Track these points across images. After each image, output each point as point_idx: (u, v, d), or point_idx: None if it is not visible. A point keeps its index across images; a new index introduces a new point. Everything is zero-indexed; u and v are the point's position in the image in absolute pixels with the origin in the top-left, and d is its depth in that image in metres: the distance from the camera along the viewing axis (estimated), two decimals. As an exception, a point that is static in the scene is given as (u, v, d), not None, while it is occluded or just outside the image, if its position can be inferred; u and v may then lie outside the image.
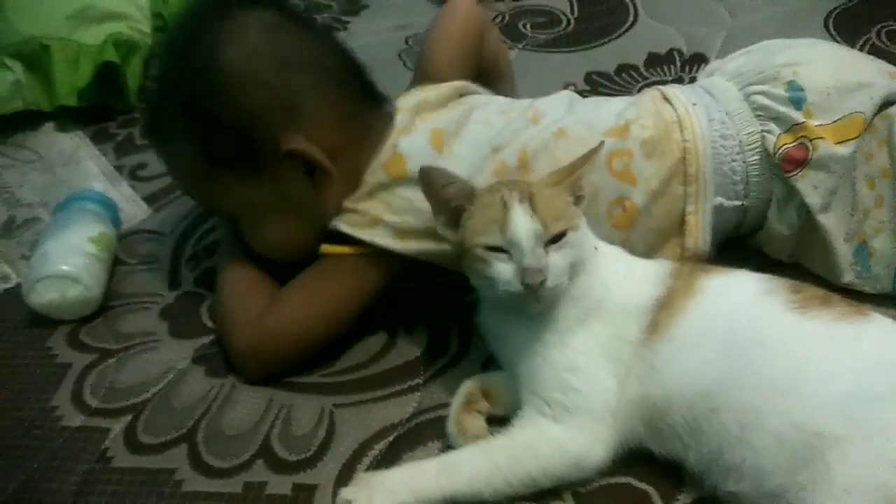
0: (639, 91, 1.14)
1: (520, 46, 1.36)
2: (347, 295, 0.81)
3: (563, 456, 0.66)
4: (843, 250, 0.80)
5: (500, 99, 0.90)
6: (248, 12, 0.79)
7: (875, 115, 0.80)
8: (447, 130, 0.82)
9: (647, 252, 0.80)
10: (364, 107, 0.84)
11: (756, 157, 0.81)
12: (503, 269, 0.66)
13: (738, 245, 0.86)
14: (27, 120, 1.25)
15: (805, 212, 0.79)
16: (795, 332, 0.64)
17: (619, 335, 0.68)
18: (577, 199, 0.71)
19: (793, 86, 0.80)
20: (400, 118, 0.84)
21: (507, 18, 1.45)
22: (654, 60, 1.27)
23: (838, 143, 0.78)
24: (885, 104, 0.81)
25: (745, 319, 0.65)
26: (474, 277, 0.69)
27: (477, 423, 0.71)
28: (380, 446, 0.73)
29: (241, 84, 0.76)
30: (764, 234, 0.84)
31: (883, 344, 0.63)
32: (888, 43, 1.23)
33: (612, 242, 0.76)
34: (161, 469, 0.73)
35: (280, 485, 0.71)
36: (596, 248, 0.71)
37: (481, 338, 0.78)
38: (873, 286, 0.82)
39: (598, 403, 0.67)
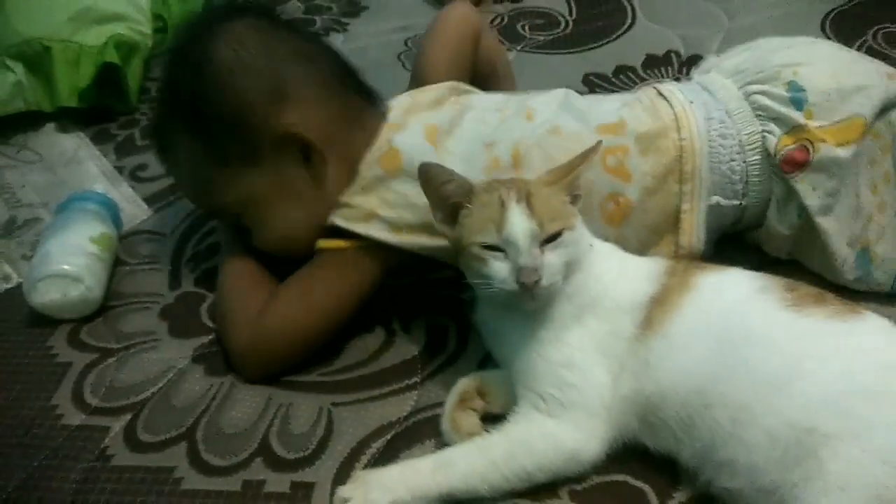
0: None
1: (518, 48, 1.37)
2: (345, 288, 0.82)
3: (558, 450, 0.66)
4: (844, 253, 0.80)
5: (496, 97, 0.91)
6: (240, 20, 0.83)
7: (876, 117, 0.80)
8: (441, 127, 0.83)
9: (641, 249, 0.80)
10: (356, 101, 0.86)
11: (756, 157, 0.81)
12: (499, 268, 0.66)
13: (735, 241, 0.87)
14: (28, 121, 1.25)
15: (805, 212, 0.80)
16: (789, 329, 0.64)
17: (614, 331, 0.69)
18: (574, 198, 0.71)
19: (793, 86, 0.80)
20: (393, 115, 0.86)
21: (505, 20, 1.46)
22: (651, 62, 1.28)
23: (839, 145, 0.78)
24: (885, 107, 0.81)
25: (739, 317, 0.66)
26: (470, 275, 0.70)
27: (471, 420, 0.72)
28: (377, 444, 0.74)
29: (230, 76, 0.79)
30: (763, 232, 0.84)
31: (876, 342, 0.63)
32: (885, 45, 1.24)
33: (604, 238, 0.77)
34: (160, 467, 0.74)
35: (278, 483, 0.71)
36: (591, 246, 0.72)
37: (479, 336, 0.79)
38: (871, 286, 0.82)
39: (592, 399, 0.67)
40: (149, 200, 1.09)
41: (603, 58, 1.31)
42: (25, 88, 1.23)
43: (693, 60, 1.27)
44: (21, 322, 0.91)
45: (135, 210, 1.08)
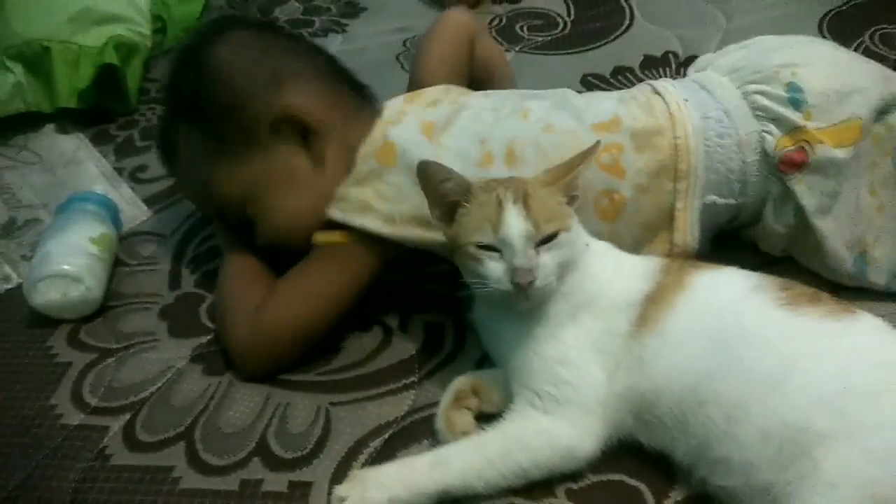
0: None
1: (517, 49, 1.37)
2: (343, 280, 0.82)
3: (553, 447, 0.67)
4: (841, 253, 0.80)
5: (492, 97, 0.91)
6: (241, 29, 0.89)
7: (873, 119, 0.80)
8: (437, 124, 0.84)
9: (635, 246, 0.81)
10: (351, 95, 0.89)
11: (755, 157, 0.81)
12: (494, 268, 0.67)
13: (732, 239, 0.87)
14: (28, 121, 1.26)
15: (801, 212, 0.80)
16: (783, 328, 0.64)
17: (609, 329, 0.69)
18: (571, 199, 0.71)
19: (792, 87, 0.80)
20: (388, 112, 0.87)
21: (504, 21, 1.46)
22: (649, 63, 1.28)
23: (837, 146, 0.78)
24: (883, 109, 0.81)
25: (734, 315, 0.66)
26: (466, 273, 0.70)
27: (465, 419, 0.72)
28: (375, 444, 0.74)
29: (229, 68, 0.84)
30: (760, 230, 0.84)
31: (870, 342, 0.64)
32: (882, 46, 1.24)
33: (598, 234, 0.77)
34: (159, 467, 0.74)
35: (276, 482, 0.71)
36: (587, 245, 0.72)
37: (476, 336, 0.80)
38: (865, 284, 0.82)
39: (588, 396, 0.68)
40: (148, 202, 1.10)
41: (601, 59, 1.31)
42: (25, 89, 1.24)
43: (691, 61, 1.24)
44: (21, 322, 0.92)
45: (134, 211, 1.08)
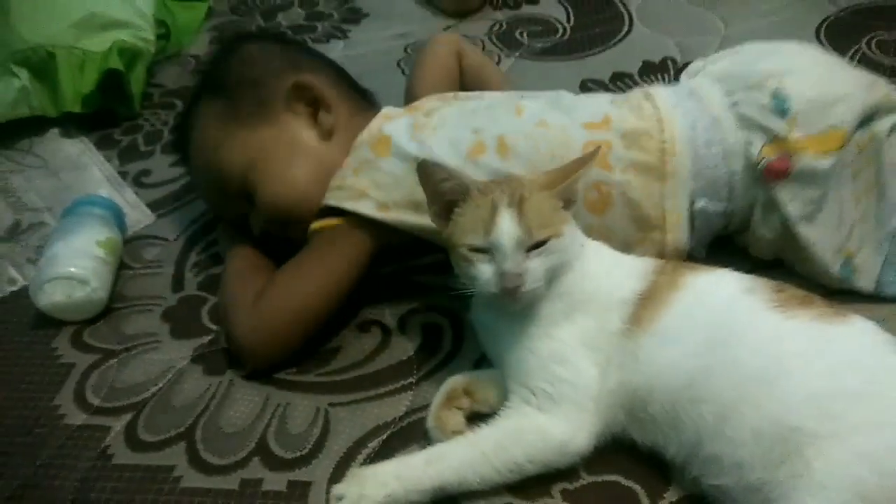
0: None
1: (516, 54, 1.38)
2: (340, 263, 0.84)
3: (547, 442, 0.68)
4: (828, 260, 0.81)
5: (487, 96, 0.94)
6: (262, 39, 1.00)
7: (856, 127, 0.81)
8: (431, 122, 0.87)
9: (627, 244, 0.82)
10: (354, 95, 0.95)
11: (740, 165, 0.82)
12: (484, 270, 0.68)
13: (726, 245, 0.88)
14: (33, 126, 1.27)
15: (787, 220, 0.81)
16: (775, 330, 0.65)
17: (601, 327, 0.70)
18: (568, 203, 0.72)
19: (778, 95, 0.81)
20: (385, 111, 0.91)
21: (503, 26, 1.47)
22: (648, 69, 1.29)
23: (819, 155, 0.79)
24: (866, 117, 0.82)
25: (727, 316, 0.67)
26: (458, 272, 0.72)
27: (456, 419, 0.73)
28: (373, 444, 0.75)
29: (256, 55, 0.93)
30: (749, 236, 0.85)
31: (860, 344, 0.64)
32: (878, 52, 1.25)
33: (588, 226, 0.78)
34: (160, 466, 0.75)
35: (275, 482, 0.72)
36: (582, 246, 0.73)
37: (474, 337, 0.81)
38: (854, 288, 0.83)
39: (581, 392, 0.69)
40: (152, 206, 1.11)
41: (600, 64, 1.32)
42: (30, 94, 1.25)
43: (689, 67, 1.27)
44: (26, 324, 0.93)
45: (138, 215, 1.09)
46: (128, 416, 0.80)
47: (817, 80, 0.83)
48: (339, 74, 0.97)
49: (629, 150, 0.82)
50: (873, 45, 1.26)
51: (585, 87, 1.26)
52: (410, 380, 0.81)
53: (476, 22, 1.50)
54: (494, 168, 0.81)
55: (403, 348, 0.85)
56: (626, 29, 1.42)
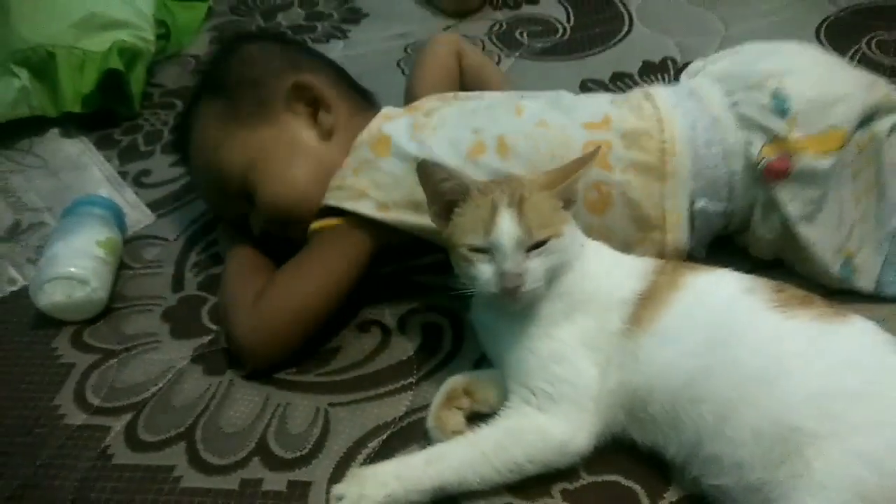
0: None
1: (516, 54, 1.38)
2: (340, 262, 0.84)
3: (547, 442, 0.68)
4: (828, 260, 0.81)
5: (487, 96, 0.94)
6: (262, 39, 1.00)
7: (856, 127, 0.81)
8: (431, 122, 0.87)
9: (627, 244, 0.82)
10: (354, 95, 0.95)
11: (741, 165, 0.82)
12: (484, 270, 0.68)
13: (727, 245, 0.88)
14: (33, 126, 1.27)
15: (787, 219, 0.81)
16: (775, 330, 0.65)
17: (601, 326, 0.70)
18: (568, 203, 0.72)
19: (778, 95, 0.81)
20: (385, 111, 0.91)
21: (504, 27, 1.47)
22: (648, 69, 1.29)
23: (819, 155, 0.79)
24: (866, 117, 0.82)
25: (726, 316, 0.67)
26: (458, 272, 0.72)
27: (456, 419, 0.73)
28: (373, 444, 0.75)
29: (257, 55, 0.93)
30: (749, 236, 0.85)
31: (860, 344, 0.64)
32: (878, 52, 1.25)
33: (588, 226, 0.78)
34: (160, 466, 0.75)
35: (275, 482, 0.72)
36: (582, 246, 0.73)
37: (474, 337, 0.81)
38: (854, 288, 0.83)
39: (581, 392, 0.69)
40: (151, 206, 1.11)
41: (600, 64, 1.32)
42: (30, 94, 1.25)
43: (689, 67, 1.27)
44: (26, 324, 0.93)
45: (138, 215, 1.09)
46: (128, 416, 0.80)
47: (817, 80, 0.83)
48: (339, 74, 0.97)
49: (629, 150, 0.82)
50: (873, 45, 1.26)
51: (585, 87, 1.26)
52: (410, 380, 0.81)
53: (476, 22, 1.50)
54: (494, 168, 0.81)
55: (403, 348, 0.85)
56: (626, 29, 1.42)
